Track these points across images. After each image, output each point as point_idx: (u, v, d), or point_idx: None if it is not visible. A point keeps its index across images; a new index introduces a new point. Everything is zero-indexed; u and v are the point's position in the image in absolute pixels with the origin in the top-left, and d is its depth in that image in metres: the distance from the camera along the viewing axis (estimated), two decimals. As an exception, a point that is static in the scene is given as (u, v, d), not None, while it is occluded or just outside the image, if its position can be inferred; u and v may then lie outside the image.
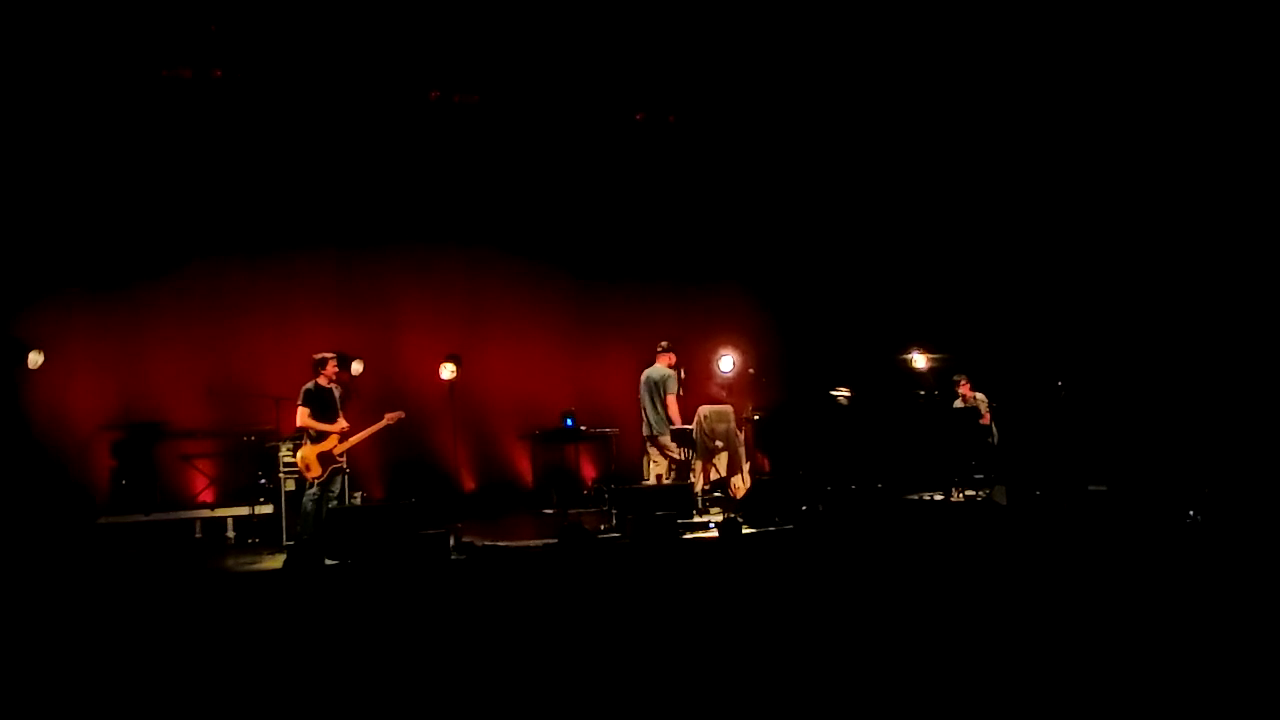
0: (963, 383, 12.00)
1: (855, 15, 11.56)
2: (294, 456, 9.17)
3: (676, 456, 10.49)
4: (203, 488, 10.82)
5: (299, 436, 9.05)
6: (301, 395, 8.96)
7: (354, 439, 9.09)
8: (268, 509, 9.95)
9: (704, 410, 10.72)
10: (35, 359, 9.88)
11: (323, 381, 9.04)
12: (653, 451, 10.57)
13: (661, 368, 10.47)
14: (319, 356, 9.12)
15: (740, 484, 10.60)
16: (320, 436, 8.90)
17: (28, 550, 8.77)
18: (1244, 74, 10.91)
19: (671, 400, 10.35)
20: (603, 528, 9.48)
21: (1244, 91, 11.00)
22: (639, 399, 10.51)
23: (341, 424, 9.03)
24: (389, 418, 9.23)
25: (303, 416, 8.89)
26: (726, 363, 11.65)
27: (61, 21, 9.97)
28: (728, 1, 11.17)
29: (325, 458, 8.89)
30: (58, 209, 10.51)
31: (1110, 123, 12.02)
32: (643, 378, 10.52)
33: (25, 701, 4.70)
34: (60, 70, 10.35)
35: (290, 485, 9.49)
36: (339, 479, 9.03)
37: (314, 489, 8.85)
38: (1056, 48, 11.74)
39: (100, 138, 10.68)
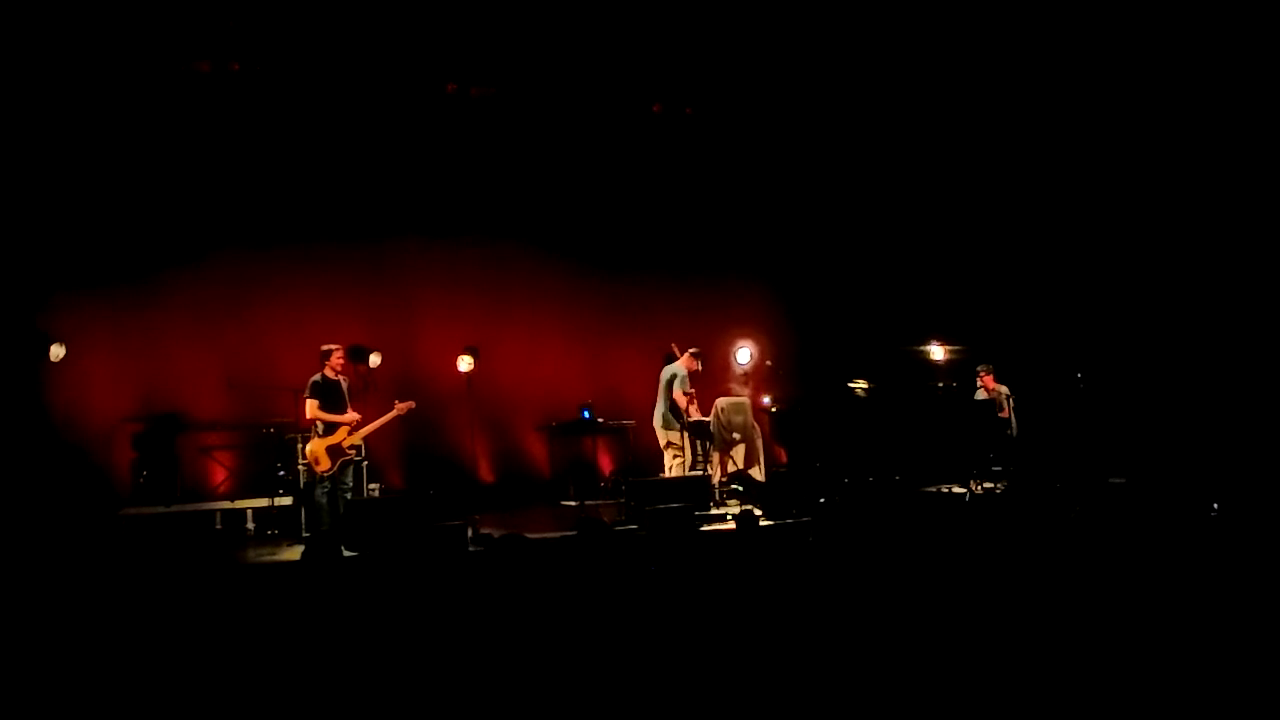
0: (985, 374, 11.88)
1: (873, 6, 11.49)
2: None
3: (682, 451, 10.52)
4: (222, 480, 10.88)
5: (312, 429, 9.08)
6: (309, 387, 8.97)
7: (364, 430, 9.12)
8: (287, 501, 10.01)
9: (721, 402, 10.72)
10: (57, 352, 9.98)
11: (329, 373, 9.06)
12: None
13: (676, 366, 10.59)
14: (325, 348, 9.14)
15: (757, 476, 10.59)
16: (330, 429, 8.93)
17: (50, 542, 8.85)
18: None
19: (678, 395, 10.42)
20: (620, 519, 9.49)
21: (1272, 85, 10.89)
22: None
23: (352, 415, 9.05)
24: (400, 407, 9.24)
25: (312, 409, 8.92)
26: (744, 355, 11.64)
27: (78, 16, 10.01)
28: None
29: (334, 451, 8.91)
30: (78, 203, 10.56)
31: (1132, 115, 11.92)
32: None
33: (48, 690, 4.75)
34: (81, 66, 10.41)
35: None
36: (350, 470, 9.07)
37: (325, 483, 8.88)
38: (1075, 38, 11.64)
39: (119, 132, 10.71)
